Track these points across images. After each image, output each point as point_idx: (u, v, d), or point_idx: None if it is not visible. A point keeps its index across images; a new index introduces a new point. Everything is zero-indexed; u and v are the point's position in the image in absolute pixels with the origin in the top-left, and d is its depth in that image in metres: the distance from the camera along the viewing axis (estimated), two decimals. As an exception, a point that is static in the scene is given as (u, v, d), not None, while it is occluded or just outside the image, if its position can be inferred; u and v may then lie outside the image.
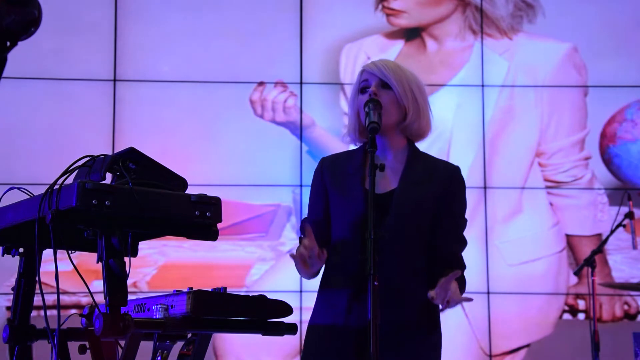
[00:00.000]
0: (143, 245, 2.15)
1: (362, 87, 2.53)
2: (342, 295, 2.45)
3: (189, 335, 2.22)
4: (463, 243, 2.53)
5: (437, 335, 2.50)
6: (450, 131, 5.82)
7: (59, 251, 1.96)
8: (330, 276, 2.52)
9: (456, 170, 2.55)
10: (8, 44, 1.08)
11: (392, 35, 6.08)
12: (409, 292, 2.44)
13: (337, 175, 2.55)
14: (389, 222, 2.42)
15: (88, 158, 2.05)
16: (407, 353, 2.42)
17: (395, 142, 2.53)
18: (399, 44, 6.06)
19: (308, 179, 2.71)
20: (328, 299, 2.50)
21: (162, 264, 5.73)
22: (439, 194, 2.48)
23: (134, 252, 2.00)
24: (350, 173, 2.53)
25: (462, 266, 2.49)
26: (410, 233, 2.46)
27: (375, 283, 2.17)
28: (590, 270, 4.43)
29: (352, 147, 2.65)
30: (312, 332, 2.54)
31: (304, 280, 5.59)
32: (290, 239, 5.82)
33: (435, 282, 2.36)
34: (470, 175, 5.78)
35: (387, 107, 2.46)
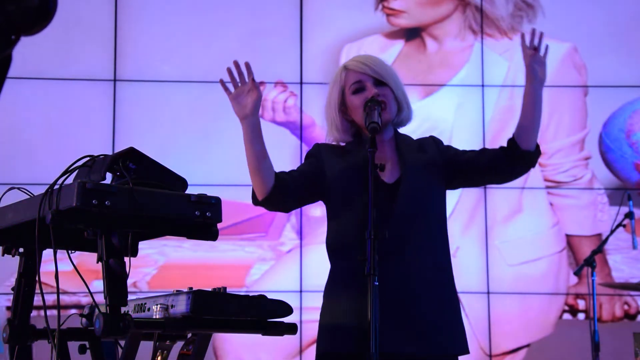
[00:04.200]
0: (143, 245, 2.15)
1: (355, 89, 2.53)
2: (351, 296, 2.44)
3: (189, 335, 2.22)
4: None
5: (459, 314, 2.53)
6: (450, 131, 5.82)
7: (59, 251, 1.96)
8: (337, 271, 2.51)
9: (432, 136, 2.69)
10: (13, 37, 1.04)
11: (392, 35, 6.08)
12: (432, 252, 2.48)
13: (338, 157, 2.55)
14: (399, 208, 2.43)
15: (88, 158, 2.05)
16: (428, 340, 2.41)
17: (386, 134, 2.58)
18: (399, 44, 6.06)
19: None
20: (338, 299, 2.48)
21: (162, 264, 5.73)
22: (437, 156, 2.59)
23: (134, 252, 2.00)
24: (353, 155, 2.53)
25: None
26: (425, 202, 2.50)
27: (376, 283, 2.17)
28: (590, 270, 4.42)
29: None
30: (327, 337, 2.49)
31: (304, 280, 5.62)
32: (290, 239, 5.81)
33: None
34: (470, 175, 5.77)
35: (389, 104, 2.49)
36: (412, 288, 2.40)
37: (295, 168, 2.65)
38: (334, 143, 2.66)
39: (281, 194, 2.49)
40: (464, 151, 2.66)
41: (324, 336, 2.48)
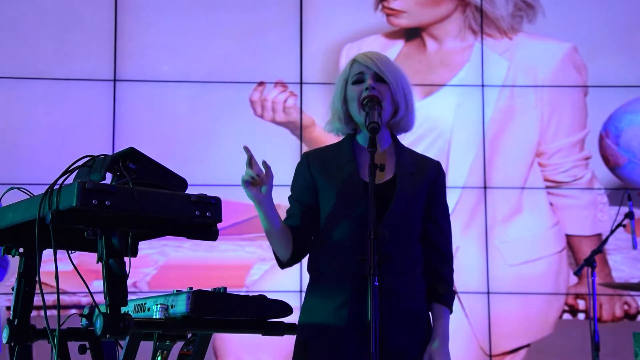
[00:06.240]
0: (143, 245, 2.15)
1: (355, 80, 2.53)
2: (339, 292, 2.42)
3: (189, 335, 2.22)
4: (449, 235, 2.58)
5: (429, 321, 2.52)
6: (450, 131, 5.81)
7: (59, 251, 1.96)
8: (326, 272, 2.49)
9: (439, 163, 2.63)
10: None
11: (392, 35, 6.08)
12: (409, 280, 2.46)
13: (327, 167, 2.54)
14: (392, 211, 2.43)
15: (88, 158, 2.05)
16: (405, 342, 2.40)
17: (383, 137, 2.56)
18: (399, 44, 6.06)
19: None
20: (324, 295, 2.46)
21: (162, 264, 5.73)
22: (429, 185, 2.55)
23: (134, 252, 2.00)
24: (343, 164, 2.52)
25: (450, 269, 2.55)
26: (410, 221, 2.48)
27: (376, 283, 2.16)
28: (590, 270, 4.42)
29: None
30: (305, 330, 2.45)
31: (304, 280, 5.61)
32: (290, 239, 5.81)
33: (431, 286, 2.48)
34: (470, 175, 5.78)
35: (383, 102, 2.48)
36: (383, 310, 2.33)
37: (290, 194, 2.60)
38: (321, 146, 2.68)
39: (304, 245, 2.50)
40: (436, 215, 2.56)
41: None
